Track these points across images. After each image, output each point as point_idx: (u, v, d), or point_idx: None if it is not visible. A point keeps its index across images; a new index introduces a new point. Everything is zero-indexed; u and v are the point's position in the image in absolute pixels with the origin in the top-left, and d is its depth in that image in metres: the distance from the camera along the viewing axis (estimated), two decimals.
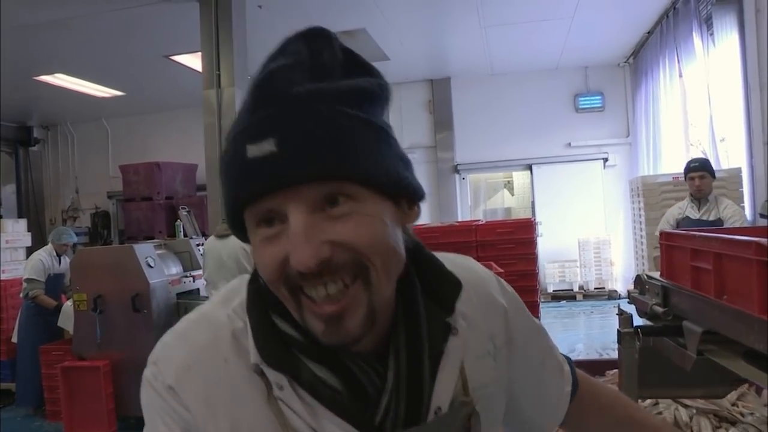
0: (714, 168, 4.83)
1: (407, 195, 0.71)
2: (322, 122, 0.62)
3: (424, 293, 0.75)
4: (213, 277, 4.96)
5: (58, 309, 5.82)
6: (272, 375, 0.69)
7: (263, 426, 0.69)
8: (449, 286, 0.76)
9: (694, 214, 4.61)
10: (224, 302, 0.76)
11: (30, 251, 8.09)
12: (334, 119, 0.63)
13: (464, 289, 0.78)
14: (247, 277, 0.77)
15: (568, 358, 1.03)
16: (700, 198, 4.61)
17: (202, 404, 0.70)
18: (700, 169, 4.59)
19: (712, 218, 4.53)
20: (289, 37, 0.70)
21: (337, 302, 0.64)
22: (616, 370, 2.70)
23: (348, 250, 0.63)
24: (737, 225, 4.27)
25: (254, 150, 0.62)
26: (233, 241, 4.93)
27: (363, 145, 0.64)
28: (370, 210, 0.65)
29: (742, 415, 1.96)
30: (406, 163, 0.72)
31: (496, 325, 0.85)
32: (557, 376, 0.98)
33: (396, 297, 0.73)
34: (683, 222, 4.60)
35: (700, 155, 6.62)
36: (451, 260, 0.84)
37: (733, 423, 1.94)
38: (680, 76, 6.96)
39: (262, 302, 0.72)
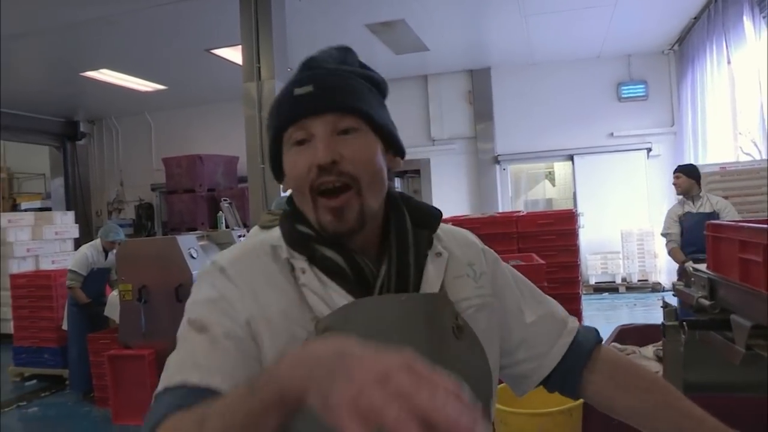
0: (765, 157, 5.25)
1: (393, 146, 1.03)
2: (343, 80, 0.98)
3: (412, 222, 1.02)
4: None
5: (89, 305, 5.97)
6: (298, 263, 0.96)
7: (288, 300, 0.93)
8: (432, 214, 1.06)
9: (692, 209, 5.30)
10: (274, 233, 1.05)
11: (78, 242, 8.34)
12: (352, 80, 0.98)
13: (444, 233, 1.09)
14: None
15: (592, 329, 1.18)
16: (684, 194, 5.38)
17: (245, 283, 0.95)
18: (677, 171, 5.48)
19: (708, 210, 5.20)
20: (324, 48, 1.05)
21: (338, 198, 0.93)
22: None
23: (350, 163, 0.93)
24: (730, 215, 5.07)
25: (299, 91, 0.96)
26: (275, 233, 4.97)
27: (369, 101, 0.98)
28: (369, 140, 0.97)
29: None
30: (395, 129, 1.03)
31: (475, 258, 1.10)
32: (550, 327, 1.13)
33: (389, 219, 1.01)
34: (685, 216, 5.29)
35: (749, 144, 6.44)
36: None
37: None
38: (729, 62, 6.75)
39: (291, 218, 1.02)
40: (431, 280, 0.99)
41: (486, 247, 1.16)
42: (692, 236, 5.07)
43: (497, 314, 1.08)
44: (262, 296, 0.93)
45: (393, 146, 1.02)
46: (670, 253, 5.39)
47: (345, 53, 1.05)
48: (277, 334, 0.90)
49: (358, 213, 0.94)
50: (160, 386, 0.87)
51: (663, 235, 5.52)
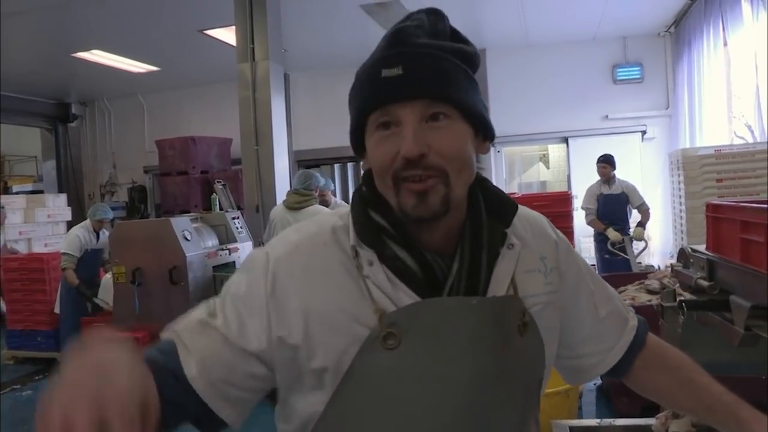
0: (759, 140, 5.61)
1: (484, 130, 0.97)
2: (436, 62, 0.90)
3: (487, 211, 0.98)
4: None
5: (78, 287, 5.95)
6: (365, 253, 0.93)
7: (348, 296, 0.91)
8: (508, 205, 1.00)
9: (607, 190, 6.87)
10: (337, 212, 1.03)
11: (70, 225, 8.29)
12: (444, 62, 0.90)
13: (520, 219, 1.03)
14: None
15: (642, 320, 1.18)
16: (606, 180, 6.90)
17: (302, 273, 0.93)
18: (603, 161, 6.96)
19: (618, 192, 6.86)
20: (413, 11, 0.96)
21: (423, 183, 0.88)
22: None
23: (438, 155, 0.88)
24: (636, 195, 6.89)
25: (387, 72, 0.89)
26: (304, 215, 4.94)
27: (461, 84, 0.91)
28: (459, 129, 0.91)
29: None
30: (486, 110, 0.97)
31: (547, 250, 1.06)
32: (616, 323, 1.14)
33: (466, 211, 0.97)
34: (601, 196, 6.88)
35: (744, 128, 6.44)
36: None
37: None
38: (725, 44, 6.73)
39: (363, 202, 0.98)
40: (501, 277, 0.96)
41: (560, 235, 1.12)
42: (607, 211, 6.75)
43: (561, 310, 1.06)
44: (317, 295, 0.91)
45: (483, 130, 0.97)
46: (590, 223, 6.80)
47: (436, 20, 0.96)
48: (335, 334, 0.90)
49: (442, 198, 0.89)
50: (173, 331, 0.96)
51: (583, 208, 6.92)
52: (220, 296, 0.97)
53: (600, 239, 6.78)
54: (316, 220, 1.02)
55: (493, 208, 0.99)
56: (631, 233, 6.74)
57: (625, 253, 6.62)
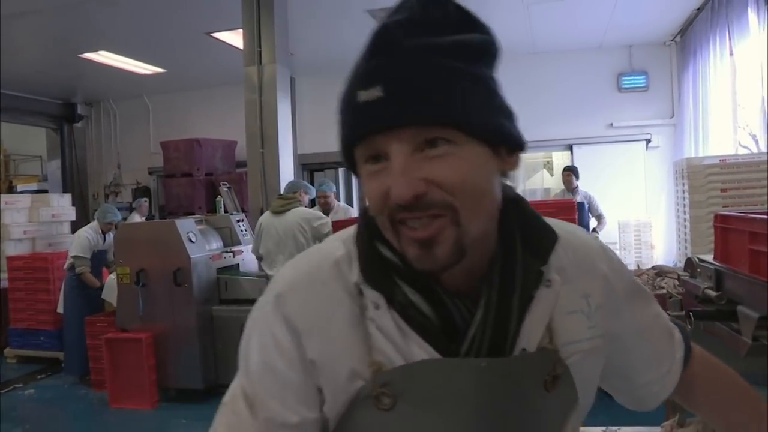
0: (764, 150, 5.59)
1: (506, 143, 0.78)
2: (425, 72, 0.70)
3: (521, 242, 0.81)
4: (271, 252, 5.06)
5: (101, 288, 5.98)
6: (371, 294, 0.78)
7: (349, 344, 0.77)
8: (546, 237, 0.83)
9: (572, 198, 7.20)
10: (340, 236, 0.87)
11: (74, 225, 8.30)
12: (437, 70, 0.70)
13: (563, 248, 0.85)
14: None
15: (679, 325, 1.06)
16: (569, 189, 7.59)
17: (300, 318, 0.79)
18: (567, 170, 7.83)
19: (580, 200, 7.39)
20: None
21: (426, 229, 0.71)
22: None
23: (441, 189, 0.70)
24: (595, 203, 7.64)
25: (364, 95, 0.71)
26: (289, 217, 5.00)
27: (463, 95, 0.71)
28: (465, 154, 0.72)
29: None
30: (508, 115, 0.79)
31: (593, 287, 0.87)
32: (667, 342, 1.01)
33: (497, 241, 0.80)
34: None
35: (748, 138, 6.44)
36: (558, 223, 0.90)
37: None
38: (731, 54, 6.73)
39: (370, 232, 0.81)
40: (534, 325, 0.79)
41: (614, 261, 0.93)
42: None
43: (615, 348, 0.92)
44: (315, 345, 0.79)
45: (504, 141, 0.78)
46: None
47: (432, 7, 0.74)
48: (336, 389, 0.79)
49: (453, 246, 0.72)
50: None
51: None
52: (246, 378, 0.83)
53: None
54: (319, 248, 0.88)
55: (529, 241, 0.81)
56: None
57: None
